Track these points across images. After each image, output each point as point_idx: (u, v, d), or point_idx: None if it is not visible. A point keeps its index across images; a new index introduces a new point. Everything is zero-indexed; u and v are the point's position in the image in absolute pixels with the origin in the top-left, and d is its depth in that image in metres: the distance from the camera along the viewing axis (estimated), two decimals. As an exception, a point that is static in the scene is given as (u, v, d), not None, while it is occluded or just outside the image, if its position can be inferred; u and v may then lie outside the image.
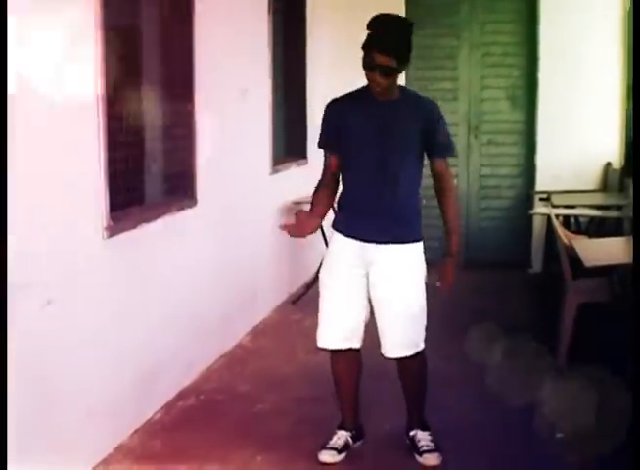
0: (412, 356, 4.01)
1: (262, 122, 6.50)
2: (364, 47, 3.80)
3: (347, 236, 3.97)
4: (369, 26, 3.81)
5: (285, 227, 4.10)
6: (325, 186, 4.07)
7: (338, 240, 4.02)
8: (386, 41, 3.76)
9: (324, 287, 4.06)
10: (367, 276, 3.97)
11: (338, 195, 4.10)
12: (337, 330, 4.03)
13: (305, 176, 7.16)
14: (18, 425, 3.27)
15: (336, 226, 4.05)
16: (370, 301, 4.02)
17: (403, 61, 3.79)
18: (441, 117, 3.98)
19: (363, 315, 4.03)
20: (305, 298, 6.95)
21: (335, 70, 7.94)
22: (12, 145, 3.08)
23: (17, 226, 3.21)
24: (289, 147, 7.36)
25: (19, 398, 3.26)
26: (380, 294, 3.96)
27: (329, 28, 8.04)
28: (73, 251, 3.76)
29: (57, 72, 3.59)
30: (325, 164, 4.09)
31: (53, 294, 3.58)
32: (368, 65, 3.77)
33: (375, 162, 3.88)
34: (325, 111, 4.05)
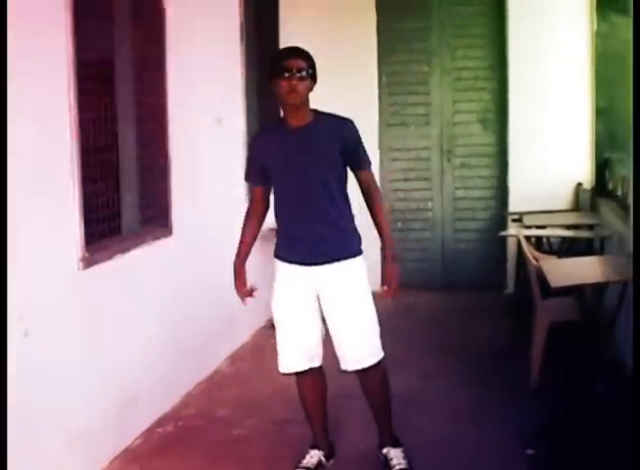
0: (374, 366, 4.12)
1: (236, 151, 6.59)
2: (273, 65, 3.95)
3: (290, 262, 4.09)
4: (275, 55, 4.08)
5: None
6: (251, 218, 4.24)
7: (282, 268, 4.14)
8: (294, 50, 4.01)
9: (278, 315, 4.17)
10: (317, 297, 4.09)
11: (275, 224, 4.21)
12: (296, 353, 4.14)
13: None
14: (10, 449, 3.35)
15: (277, 254, 4.18)
16: (323, 318, 4.14)
17: (313, 70, 3.97)
18: (358, 134, 4.11)
19: (319, 334, 4.15)
20: (283, 322, 7.03)
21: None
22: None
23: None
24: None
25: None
26: (332, 311, 4.08)
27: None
28: (50, 282, 3.85)
29: (32, 106, 3.69)
30: (251, 197, 4.26)
31: (31, 324, 3.65)
32: (282, 72, 3.89)
33: (300, 189, 3.99)
34: (248, 146, 4.25)
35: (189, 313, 5.47)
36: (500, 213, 8.31)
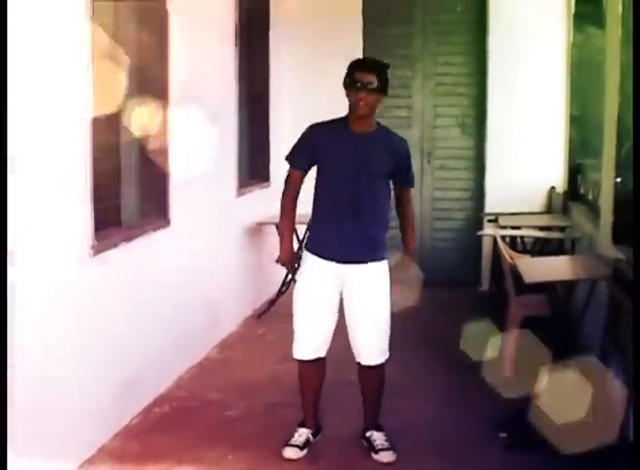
0: (379, 365, 4.47)
1: (229, 148, 6.88)
2: (348, 75, 4.25)
3: (321, 257, 4.37)
4: (351, 64, 4.31)
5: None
6: (291, 201, 4.46)
7: (313, 261, 4.40)
8: (368, 64, 4.33)
9: (300, 305, 4.44)
10: (340, 293, 4.39)
11: (310, 218, 4.48)
12: (311, 343, 4.45)
13: (268, 199, 7.59)
14: (13, 424, 3.64)
15: (310, 248, 4.43)
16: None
17: (384, 85, 4.26)
18: (410, 155, 4.49)
19: (333, 328, 4.47)
20: (269, 313, 7.34)
21: (296, 99, 8.38)
22: (12, 167, 3.48)
23: (14, 243, 3.59)
24: (252, 171, 7.75)
25: (14, 399, 3.61)
26: (354, 309, 4.40)
27: (290, 61, 8.46)
28: (63, 267, 4.13)
29: (53, 106, 3.98)
30: (288, 180, 4.46)
31: (45, 305, 3.95)
32: (354, 83, 4.20)
33: (350, 188, 4.28)
34: (306, 131, 4.44)
35: (181, 301, 5.74)
36: (477, 214, 8.64)
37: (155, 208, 5.40)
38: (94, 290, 4.46)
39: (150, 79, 5.31)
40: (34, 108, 3.83)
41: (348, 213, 4.31)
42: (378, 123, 4.41)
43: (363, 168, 4.29)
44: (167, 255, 5.47)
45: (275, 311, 7.34)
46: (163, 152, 5.37)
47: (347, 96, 4.26)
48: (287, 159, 4.48)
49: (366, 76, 4.20)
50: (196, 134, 5.96)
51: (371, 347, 4.44)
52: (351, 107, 4.28)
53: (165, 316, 5.44)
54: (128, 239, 4.87)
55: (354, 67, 4.30)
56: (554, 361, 5.07)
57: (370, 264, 4.38)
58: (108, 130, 4.90)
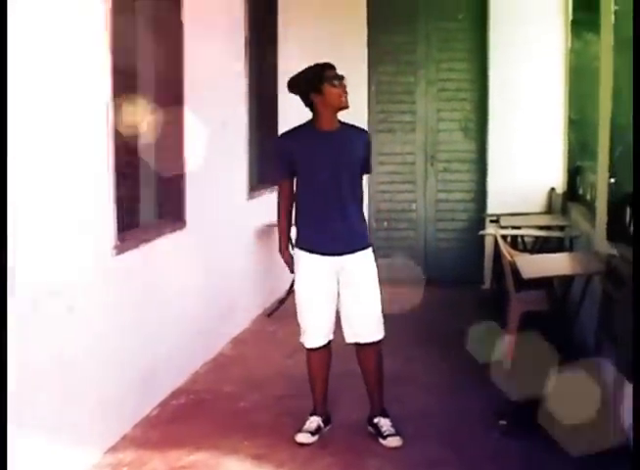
0: (376, 342, 4.76)
1: (240, 152, 7.16)
2: (317, 77, 4.60)
3: (313, 253, 4.68)
4: (314, 68, 4.68)
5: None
6: (287, 211, 4.80)
7: (305, 258, 4.71)
8: (329, 63, 4.68)
9: (303, 300, 4.75)
10: (337, 281, 4.70)
11: (295, 218, 4.79)
12: (318, 332, 4.76)
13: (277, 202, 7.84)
14: (47, 412, 3.93)
15: (300, 245, 4.74)
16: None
17: None
18: (371, 143, 4.86)
19: (334, 314, 4.78)
20: (279, 311, 7.61)
21: (304, 106, 8.62)
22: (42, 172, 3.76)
23: (42, 244, 3.88)
24: (261, 175, 7.99)
25: (44, 390, 3.90)
26: (350, 294, 4.70)
27: (298, 69, 8.69)
28: (89, 266, 4.39)
29: (81, 114, 4.27)
30: (280, 191, 4.80)
31: (73, 302, 4.22)
32: (331, 79, 4.56)
33: (327, 186, 4.60)
34: (277, 142, 4.83)
35: (197, 300, 6.01)
36: (479, 215, 8.90)
37: (171, 210, 5.65)
38: (117, 287, 4.72)
39: (166, 87, 5.56)
40: (62, 115, 4.10)
41: (329, 208, 4.62)
42: (339, 120, 4.72)
43: (339, 163, 4.61)
44: (184, 255, 5.73)
45: (284, 310, 7.59)
46: (180, 155, 5.64)
47: (320, 97, 4.57)
48: (273, 175, 4.87)
49: (336, 72, 4.60)
50: (209, 139, 6.19)
51: (370, 325, 4.74)
52: (331, 103, 4.57)
53: (182, 314, 5.70)
54: (148, 240, 5.13)
55: (320, 68, 4.64)
56: (553, 356, 5.31)
57: (358, 253, 4.69)
58: (127, 134, 5.14)
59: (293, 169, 4.71)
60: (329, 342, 4.82)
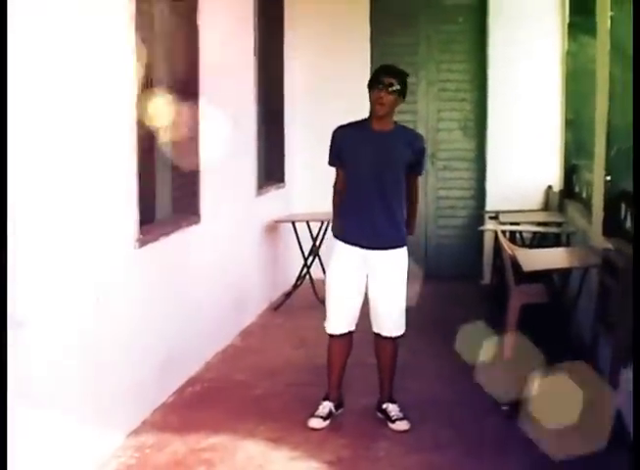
0: (397, 337, 5.00)
1: (249, 151, 7.38)
2: (372, 77, 4.83)
3: (349, 244, 4.90)
4: (377, 68, 4.93)
5: None
6: (338, 192, 5.05)
7: (341, 247, 4.95)
8: (392, 69, 4.88)
9: (332, 287, 4.98)
10: (367, 275, 4.93)
11: (340, 209, 5.01)
12: (342, 319, 5.00)
13: (284, 199, 8.10)
14: (79, 393, 4.16)
15: (338, 235, 4.98)
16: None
17: (403, 89, 4.83)
18: (425, 147, 5.07)
19: (360, 306, 5.01)
20: (285, 305, 7.85)
21: (308, 104, 8.89)
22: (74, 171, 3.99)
23: (71, 238, 4.09)
24: (269, 173, 8.23)
25: (75, 372, 4.14)
26: (378, 290, 4.93)
27: (302, 69, 8.98)
28: (114, 258, 4.62)
29: (108, 114, 4.50)
30: (336, 176, 5.07)
31: (100, 291, 4.44)
32: (376, 84, 4.77)
33: (373, 180, 4.82)
34: (332, 135, 5.01)
35: (210, 293, 6.23)
36: (478, 212, 9.12)
37: (187, 205, 5.88)
38: (139, 278, 4.95)
39: (182, 85, 5.78)
40: (91, 111, 4.32)
41: (371, 204, 4.85)
42: (396, 122, 4.96)
43: (382, 162, 4.82)
44: (199, 249, 5.97)
45: (291, 303, 7.85)
46: (195, 152, 5.87)
47: (369, 97, 4.80)
48: (328, 163, 5.05)
49: (388, 79, 4.77)
50: (222, 137, 6.39)
51: (392, 322, 4.97)
52: (371, 107, 4.82)
53: (197, 305, 5.93)
54: (167, 233, 5.36)
55: (379, 70, 4.88)
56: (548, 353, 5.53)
57: (392, 250, 4.91)
58: (145, 131, 5.30)
59: (341, 160, 4.95)
60: (350, 331, 5.05)
